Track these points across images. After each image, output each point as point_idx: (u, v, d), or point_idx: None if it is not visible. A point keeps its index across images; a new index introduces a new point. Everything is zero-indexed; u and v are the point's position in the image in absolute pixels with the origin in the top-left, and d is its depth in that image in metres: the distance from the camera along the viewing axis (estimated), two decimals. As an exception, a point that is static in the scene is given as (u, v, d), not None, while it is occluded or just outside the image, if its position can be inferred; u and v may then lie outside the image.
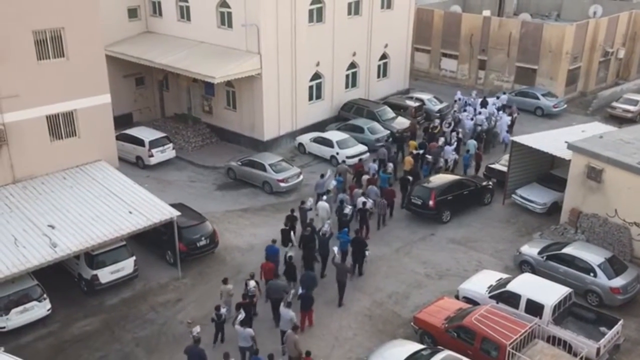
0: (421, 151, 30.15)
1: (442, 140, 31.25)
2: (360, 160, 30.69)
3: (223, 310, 18.70)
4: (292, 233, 23.08)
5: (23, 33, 21.24)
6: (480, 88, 42.71)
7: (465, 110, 35.96)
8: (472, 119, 34.26)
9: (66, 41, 22.37)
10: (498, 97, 38.27)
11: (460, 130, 32.90)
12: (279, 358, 17.60)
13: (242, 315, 17.91)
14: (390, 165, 28.63)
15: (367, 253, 22.27)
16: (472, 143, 31.32)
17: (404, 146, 31.88)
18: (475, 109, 35.89)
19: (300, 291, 19.53)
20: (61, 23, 22.09)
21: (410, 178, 27.42)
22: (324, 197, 25.43)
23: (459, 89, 41.07)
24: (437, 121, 33.98)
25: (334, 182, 26.88)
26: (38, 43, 21.77)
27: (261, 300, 20.16)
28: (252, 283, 19.39)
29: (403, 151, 31.64)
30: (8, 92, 21.23)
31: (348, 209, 24.14)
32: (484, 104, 36.50)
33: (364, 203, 24.42)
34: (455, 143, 31.16)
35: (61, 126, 23.21)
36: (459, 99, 37.98)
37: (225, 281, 19.99)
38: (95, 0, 23.08)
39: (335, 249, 19.83)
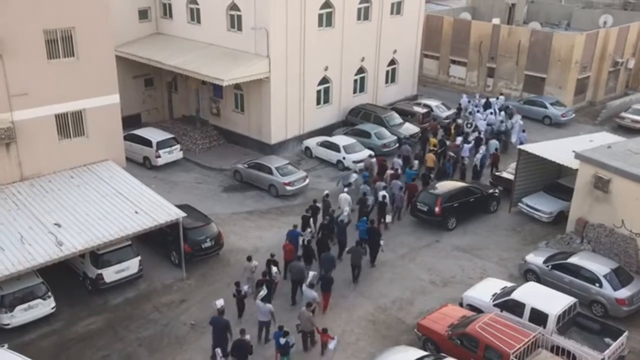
0: (442, 149, 31.21)
1: (459, 139, 32.32)
2: (382, 156, 31.61)
3: (245, 287, 19.82)
4: (311, 220, 24.20)
5: (34, 32, 21.39)
6: (489, 96, 42.60)
7: (479, 112, 36.87)
8: (484, 120, 35.31)
9: (76, 41, 22.51)
10: (497, 98, 39.48)
11: (482, 130, 33.91)
12: (293, 335, 18.10)
13: (263, 292, 18.96)
14: (416, 162, 30.07)
15: (381, 242, 23.06)
16: (494, 143, 32.14)
17: (427, 144, 32.65)
18: (486, 110, 36.96)
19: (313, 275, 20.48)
20: (72, 23, 22.24)
21: (431, 175, 29.05)
22: (345, 189, 26.73)
23: (465, 94, 41.33)
24: (459, 121, 35.36)
25: (355, 175, 28.21)
26: (49, 42, 21.91)
27: (281, 279, 21.43)
28: (274, 269, 20.36)
29: (425, 149, 32.36)
30: (18, 91, 21.38)
31: (370, 200, 25.58)
32: (487, 105, 37.71)
33: (384, 197, 25.63)
34: (473, 142, 31.91)
35: (70, 125, 23.34)
36: (469, 102, 38.66)
37: (249, 258, 21.13)
38: (105, 0, 23.23)
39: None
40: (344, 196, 25.76)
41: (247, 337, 17.25)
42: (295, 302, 20.64)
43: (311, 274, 20.01)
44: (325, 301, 20.48)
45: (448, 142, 32.19)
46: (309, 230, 23.56)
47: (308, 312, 18.35)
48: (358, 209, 25.57)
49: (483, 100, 38.55)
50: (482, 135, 32.88)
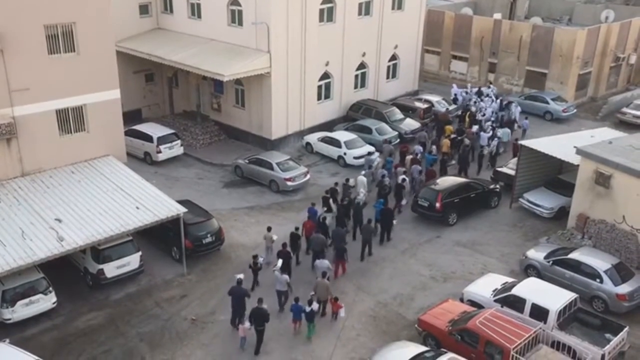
0: (458, 137, 32.16)
1: (475, 127, 33.22)
2: (405, 141, 33.16)
3: (260, 259, 21.50)
4: (331, 200, 25.45)
5: (35, 27, 21.37)
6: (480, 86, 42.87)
7: (482, 101, 37.95)
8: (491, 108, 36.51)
9: (77, 36, 22.50)
10: (488, 87, 40.46)
11: (492, 119, 35.21)
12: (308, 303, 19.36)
13: (280, 263, 20.37)
14: (434, 147, 31.14)
15: (394, 222, 24.59)
16: (506, 131, 33.07)
17: (442, 132, 33.63)
18: (484, 99, 38.32)
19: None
20: (72, 18, 22.21)
21: (452, 160, 30.43)
22: (363, 172, 28.37)
23: (455, 84, 42.44)
24: (473, 108, 36.41)
25: (378, 159, 30.04)
26: (49, 37, 21.90)
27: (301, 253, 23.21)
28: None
29: (440, 136, 33.27)
30: (19, 86, 21.37)
31: (387, 182, 27.03)
32: (479, 94, 39.07)
33: (403, 180, 27.22)
34: (491, 131, 32.76)
35: (70, 121, 23.34)
36: (467, 92, 39.77)
37: (269, 229, 22.74)
38: (106, -5, 23.23)
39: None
40: (361, 179, 27.23)
41: (265, 305, 18.28)
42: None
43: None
44: (341, 268, 22.25)
45: (466, 130, 33.13)
46: (325, 209, 25.01)
47: (325, 281, 19.69)
48: (377, 191, 26.80)
49: (475, 90, 39.79)
50: (496, 125, 34.02)
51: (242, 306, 19.20)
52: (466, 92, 39.96)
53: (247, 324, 18.38)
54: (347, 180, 27.43)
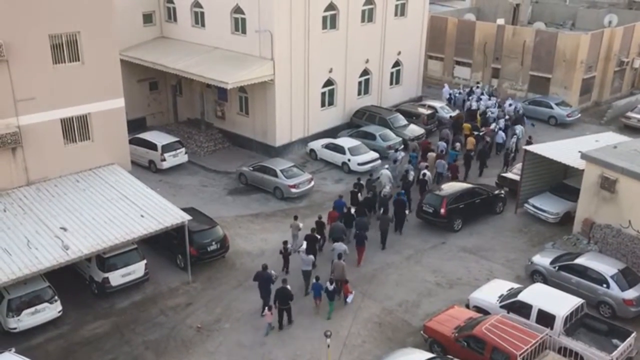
0: (479, 133, 33.60)
1: (494, 125, 34.67)
2: (426, 138, 34.54)
3: (289, 245, 22.88)
4: (359, 194, 26.94)
5: (39, 37, 21.48)
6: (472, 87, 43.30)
7: (480, 100, 39.20)
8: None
9: (82, 45, 22.59)
10: (477, 87, 41.77)
11: (494, 117, 36.42)
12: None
13: (304, 245, 22.31)
14: (458, 144, 32.44)
15: (407, 213, 25.85)
16: (519, 128, 34.16)
17: (460, 130, 34.80)
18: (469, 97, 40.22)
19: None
20: (77, 27, 22.32)
21: (472, 155, 31.41)
22: (387, 166, 29.64)
23: (447, 83, 43.66)
24: (482, 106, 37.74)
25: (402, 154, 31.42)
26: (54, 47, 22.00)
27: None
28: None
29: (457, 134, 34.33)
30: (24, 95, 21.47)
31: (411, 176, 28.70)
32: (470, 93, 40.48)
33: (424, 174, 28.65)
34: (503, 128, 34.36)
35: (75, 129, 23.42)
36: (460, 92, 41.12)
37: (295, 217, 24.35)
38: (110, 5, 23.31)
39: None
40: (386, 172, 28.62)
41: (288, 286, 19.70)
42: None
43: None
44: (360, 254, 23.57)
45: (483, 129, 34.24)
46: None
47: (341, 262, 21.16)
48: (402, 184, 28.36)
49: (467, 90, 41.25)
50: (508, 123, 35.27)
51: (268, 291, 20.26)
52: (459, 92, 41.07)
53: (272, 309, 19.63)
54: (371, 174, 28.85)
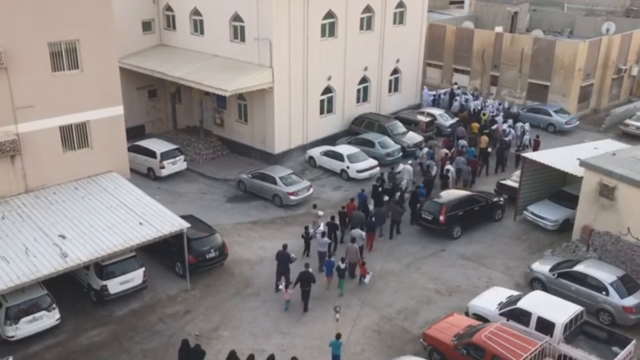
0: (489, 131, 35.07)
1: (505, 125, 36.02)
2: (448, 137, 35.80)
3: (310, 230, 24.26)
4: (379, 189, 27.97)
5: (38, 45, 21.51)
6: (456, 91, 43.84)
7: (467, 100, 41.00)
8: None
9: (81, 53, 22.62)
10: (458, 88, 43.25)
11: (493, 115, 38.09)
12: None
13: (321, 228, 23.92)
14: (463, 141, 33.97)
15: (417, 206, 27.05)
16: (527, 125, 35.93)
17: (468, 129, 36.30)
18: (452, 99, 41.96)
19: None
20: (76, 35, 22.36)
21: (489, 150, 33.08)
22: (409, 162, 31.24)
23: (426, 86, 44.42)
24: (487, 108, 39.18)
25: (426, 149, 32.85)
26: (53, 55, 22.03)
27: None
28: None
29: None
30: (23, 103, 21.47)
31: (433, 172, 30.49)
32: (452, 95, 42.03)
33: (447, 170, 30.05)
34: (512, 128, 35.89)
35: (74, 137, 23.41)
36: (444, 94, 42.42)
37: (314, 206, 26.72)
38: (110, 13, 23.37)
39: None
40: (407, 167, 30.17)
41: (310, 269, 21.12)
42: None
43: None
44: (370, 241, 24.94)
45: (493, 127, 35.52)
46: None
47: (354, 245, 22.67)
48: (423, 179, 29.75)
49: (449, 91, 42.59)
50: (510, 123, 36.57)
51: (287, 269, 21.62)
52: (444, 94, 42.15)
53: (290, 288, 20.97)
54: (393, 168, 30.58)
